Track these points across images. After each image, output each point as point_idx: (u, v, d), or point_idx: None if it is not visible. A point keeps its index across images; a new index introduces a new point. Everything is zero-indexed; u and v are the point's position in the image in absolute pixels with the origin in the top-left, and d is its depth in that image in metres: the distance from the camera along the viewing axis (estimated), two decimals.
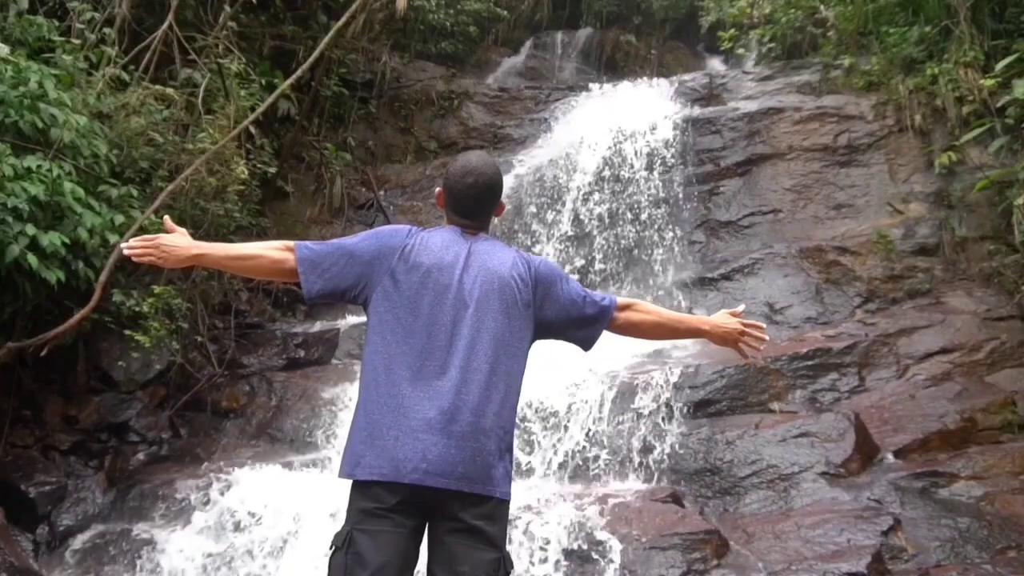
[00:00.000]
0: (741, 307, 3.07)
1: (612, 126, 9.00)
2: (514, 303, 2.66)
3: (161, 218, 6.40)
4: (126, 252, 2.69)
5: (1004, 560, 4.61)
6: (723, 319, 2.96)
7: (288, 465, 5.91)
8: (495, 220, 2.93)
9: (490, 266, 2.68)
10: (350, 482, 2.57)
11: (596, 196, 8.57)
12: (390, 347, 2.58)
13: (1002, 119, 7.13)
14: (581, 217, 8.49)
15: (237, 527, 5.31)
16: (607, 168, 8.71)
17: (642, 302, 2.98)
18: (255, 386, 6.90)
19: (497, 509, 2.56)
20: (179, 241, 2.69)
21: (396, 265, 2.65)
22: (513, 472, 2.70)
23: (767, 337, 3.00)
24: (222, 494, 5.52)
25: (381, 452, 2.49)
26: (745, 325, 2.95)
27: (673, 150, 8.77)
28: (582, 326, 2.81)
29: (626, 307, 2.88)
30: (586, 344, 2.89)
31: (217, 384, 6.85)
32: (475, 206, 2.77)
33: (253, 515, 5.34)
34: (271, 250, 2.71)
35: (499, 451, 2.56)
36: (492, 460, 2.53)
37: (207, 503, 5.49)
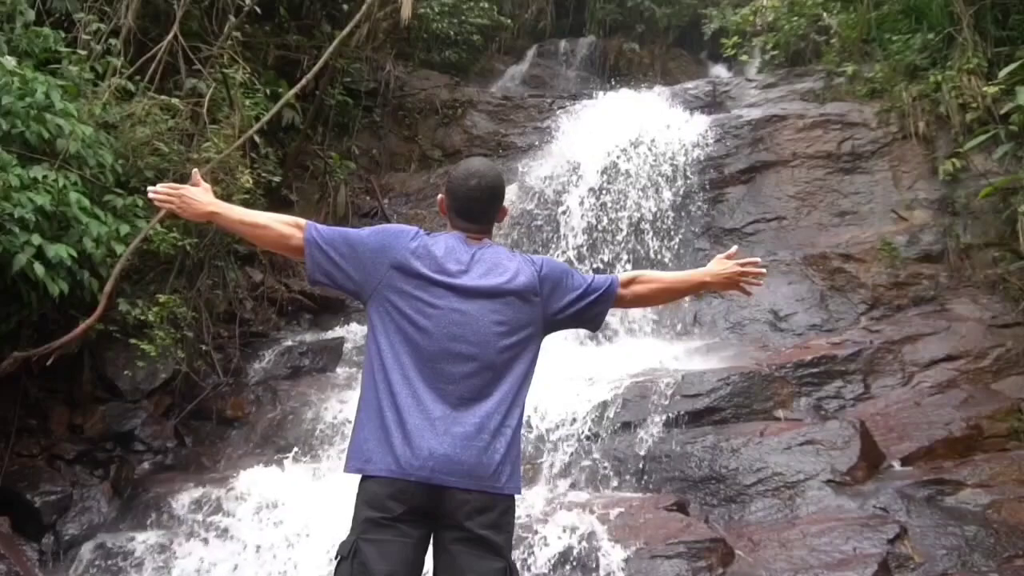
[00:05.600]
0: (734, 248, 3.08)
1: (615, 134, 9.01)
2: (520, 304, 2.67)
3: (166, 227, 6.45)
4: (151, 195, 2.82)
5: (1011, 569, 4.59)
6: (720, 265, 2.99)
7: (293, 473, 5.90)
8: (497, 227, 2.95)
9: (495, 271, 2.69)
10: (356, 487, 2.58)
11: (599, 204, 8.57)
12: (395, 347, 2.60)
13: (1006, 126, 7.13)
14: (584, 225, 8.49)
15: (242, 535, 5.31)
16: (610, 176, 8.72)
17: (644, 272, 3.02)
18: (260, 395, 6.91)
19: (503, 517, 2.56)
20: (200, 196, 2.81)
21: (400, 263, 2.66)
22: (520, 473, 2.70)
23: (765, 271, 3.03)
24: (227, 502, 5.52)
25: (388, 450, 2.51)
26: (742, 264, 2.98)
27: (676, 158, 8.78)
28: (589, 310, 2.84)
29: (630, 282, 2.91)
30: (594, 325, 2.92)
31: (222, 393, 6.86)
32: (478, 209, 2.79)
33: (258, 523, 5.35)
34: (281, 224, 2.76)
35: (506, 450, 2.57)
36: (499, 458, 2.55)
37: (212, 511, 5.49)
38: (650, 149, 8.84)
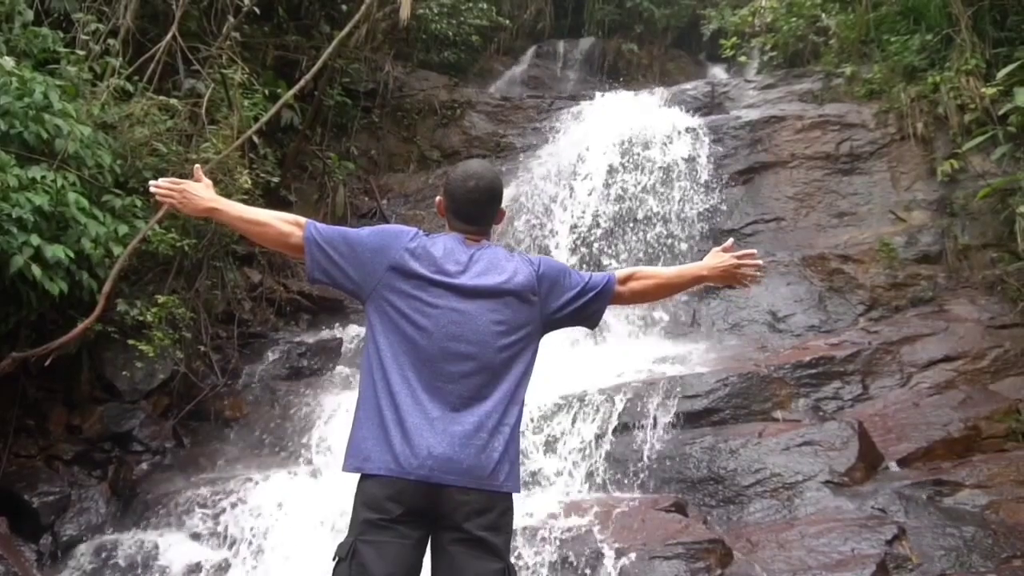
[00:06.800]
0: (730, 241, 3.09)
1: (614, 135, 9.00)
2: (519, 304, 2.68)
3: (165, 227, 6.44)
4: (152, 189, 2.84)
5: (1009, 569, 4.59)
6: (717, 259, 3.00)
7: (292, 473, 5.90)
8: (496, 228, 2.95)
9: (493, 271, 2.70)
10: (354, 488, 2.57)
11: (598, 206, 8.57)
12: (394, 347, 2.60)
13: (1004, 127, 7.14)
14: (583, 227, 8.48)
15: (240, 535, 5.31)
16: (609, 177, 8.71)
17: (641, 268, 3.03)
18: (258, 395, 6.90)
19: (502, 518, 2.57)
20: (202, 192, 2.83)
21: (398, 263, 2.67)
22: (520, 471, 2.70)
23: (762, 263, 3.04)
24: (226, 503, 5.52)
25: (387, 448, 2.51)
26: (738, 257, 2.98)
27: (675, 159, 8.77)
28: (587, 308, 2.84)
29: (627, 279, 2.92)
30: (592, 323, 2.92)
31: (220, 393, 6.85)
32: (476, 211, 2.79)
33: (257, 523, 5.35)
34: (281, 222, 2.77)
35: (504, 448, 2.58)
36: (497, 457, 2.55)
37: (211, 512, 5.49)
38: (648, 150, 8.82)
